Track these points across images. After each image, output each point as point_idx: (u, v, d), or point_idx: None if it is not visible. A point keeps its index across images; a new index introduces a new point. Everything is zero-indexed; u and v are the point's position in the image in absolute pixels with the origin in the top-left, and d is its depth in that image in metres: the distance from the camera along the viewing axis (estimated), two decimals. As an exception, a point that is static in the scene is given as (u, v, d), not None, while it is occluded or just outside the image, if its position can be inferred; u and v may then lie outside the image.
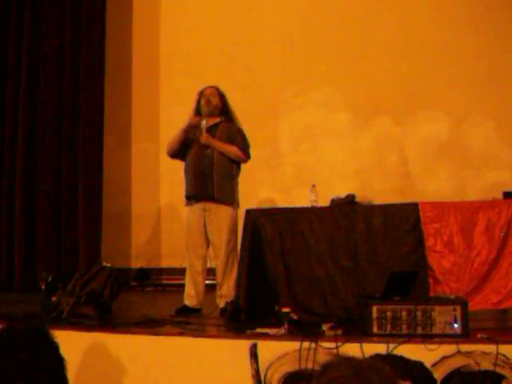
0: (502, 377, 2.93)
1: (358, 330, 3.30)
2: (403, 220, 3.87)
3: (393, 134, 6.07)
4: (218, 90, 4.57)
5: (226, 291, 4.24)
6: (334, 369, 1.18)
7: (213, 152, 4.36)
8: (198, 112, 4.54)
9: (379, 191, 5.69)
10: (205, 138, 4.37)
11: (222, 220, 4.33)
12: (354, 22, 6.11)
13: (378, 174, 6.03)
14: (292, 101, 6.23)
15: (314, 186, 4.23)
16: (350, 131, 6.17)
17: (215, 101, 4.50)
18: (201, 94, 4.56)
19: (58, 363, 1.54)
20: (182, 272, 4.58)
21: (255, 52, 6.28)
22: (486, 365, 2.94)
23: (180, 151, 4.50)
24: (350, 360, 1.23)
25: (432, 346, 3.00)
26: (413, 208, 3.87)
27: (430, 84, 5.90)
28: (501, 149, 5.77)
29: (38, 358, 1.48)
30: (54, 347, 1.56)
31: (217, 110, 4.50)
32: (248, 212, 4.11)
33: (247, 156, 4.48)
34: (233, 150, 4.41)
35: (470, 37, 5.86)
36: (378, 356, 3.01)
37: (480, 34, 5.83)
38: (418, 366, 2.99)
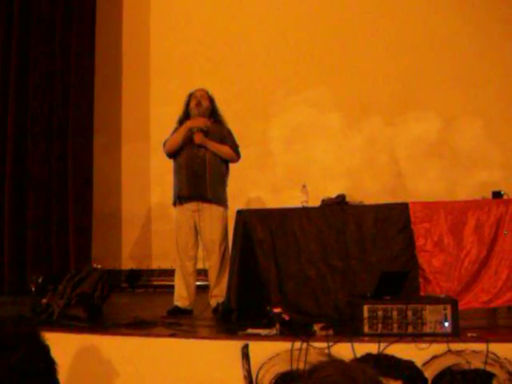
0: (492, 375, 2.95)
1: (349, 329, 3.30)
2: (393, 220, 3.88)
3: (383, 134, 6.10)
4: (207, 92, 4.61)
5: (220, 291, 4.24)
6: (321, 370, 1.21)
7: (205, 153, 4.39)
8: (187, 114, 4.55)
9: (370, 191, 5.71)
10: (199, 138, 4.38)
11: (214, 220, 4.35)
12: (345, 23, 6.14)
13: (369, 174, 6.05)
14: (283, 101, 6.25)
15: (304, 186, 4.24)
16: (340, 131, 6.19)
17: (206, 103, 4.54)
18: (191, 96, 4.58)
19: (49, 366, 1.53)
20: (172, 273, 4.57)
21: (246, 52, 6.28)
22: (477, 363, 2.96)
23: (178, 151, 4.50)
24: (335, 361, 1.28)
25: (423, 345, 3.01)
26: (403, 208, 3.89)
27: (421, 84, 5.94)
28: (490, 148, 5.82)
29: (29, 361, 1.47)
30: (45, 350, 1.55)
31: (207, 112, 4.53)
32: (239, 212, 4.11)
33: (238, 156, 4.55)
34: (225, 150, 4.45)
35: (459, 38, 5.90)
36: (369, 356, 3.02)
37: (470, 35, 5.87)
38: (409, 365, 3.00)
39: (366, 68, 6.04)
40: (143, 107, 6.57)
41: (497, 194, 4.04)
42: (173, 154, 4.53)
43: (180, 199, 4.44)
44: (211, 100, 4.59)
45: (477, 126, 5.89)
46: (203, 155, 4.39)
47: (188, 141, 4.42)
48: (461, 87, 5.87)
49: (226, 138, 4.50)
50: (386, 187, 5.93)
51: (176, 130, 4.56)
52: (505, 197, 4.01)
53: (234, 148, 4.51)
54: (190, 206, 4.38)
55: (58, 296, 3.91)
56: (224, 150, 4.45)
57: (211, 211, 4.35)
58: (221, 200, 4.41)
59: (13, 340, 1.53)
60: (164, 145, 4.56)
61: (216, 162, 4.42)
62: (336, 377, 1.18)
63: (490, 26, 5.84)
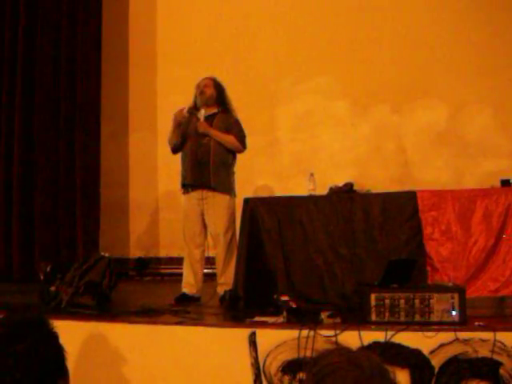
0: (499, 364, 2.95)
1: (356, 317, 3.30)
2: (401, 208, 3.87)
3: (391, 123, 6.07)
4: (213, 80, 4.56)
5: (226, 280, 4.25)
6: (326, 357, 1.21)
7: (209, 141, 4.37)
8: (195, 104, 4.54)
9: (377, 179, 5.69)
10: (202, 126, 4.37)
11: (219, 209, 4.34)
12: (352, 11, 6.09)
13: (376, 162, 6.03)
14: (290, 89, 6.22)
15: (312, 174, 4.24)
16: (347, 119, 6.17)
17: (209, 92, 4.50)
18: (197, 85, 4.56)
19: (58, 353, 1.54)
20: (180, 261, 4.59)
21: (253, 40, 6.25)
22: (484, 352, 2.96)
23: (182, 145, 4.51)
24: (340, 349, 1.30)
25: (430, 334, 3.01)
26: (411, 196, 3.87)
27: (428, 72, 5.89)
28: (498, 137, 5.78)
29: (38, 348, 1.48)
30: (54, 337, 1.56)
31: (211, 101, 4.50)
32: (246, 201, 4.12)
33: (243, 146, 4.50)
34: (230, 140, 4.42)
35: (467, 25, 5.84)
36: (376, 344, 3.02)
37: (479, 23, 5.81)
38: (416, 353, 3.00)
39: (373, 56, 5.99)
40: (150, 96, 6.57)
41: (505, 183, 4.02)
42: (178, 150, 4.55)
43: (185, 187, 4.45)
44: (218, 88, 4.53)
45: (485, 114, 5.85)
46: (207, 143, 4.36)
47: (193, 130, 4.42)
48: (469, 75, 5.82)
49: (233, 127, 4.46)
50: (393, 175, 5.91)
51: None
52: (513, 185, 3.99)
53: (240, 138, 4.46)
54: (196, 195, 4.39)
55: (66, 284, 3.94)
56: (228, 139, 4.41)
57: (216, 200, 4.34)
58: (226, 188, 4.38)
59: (22, 327, 1.54)
60: (169, 143, 4.60)
61: (221, 150, 4.39)
62: (341, 364, 1.18)
63: (499, 14, 5.78)
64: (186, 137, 4.47)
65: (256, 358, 3.14)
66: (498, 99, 5.79)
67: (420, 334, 3.02)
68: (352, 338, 3.03)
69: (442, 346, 2.99)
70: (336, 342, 3.05)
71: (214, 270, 4.53)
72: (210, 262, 4.57)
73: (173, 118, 4.50)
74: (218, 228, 4.34)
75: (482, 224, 3.76)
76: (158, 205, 6.51)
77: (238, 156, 4.55)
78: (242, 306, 3.82)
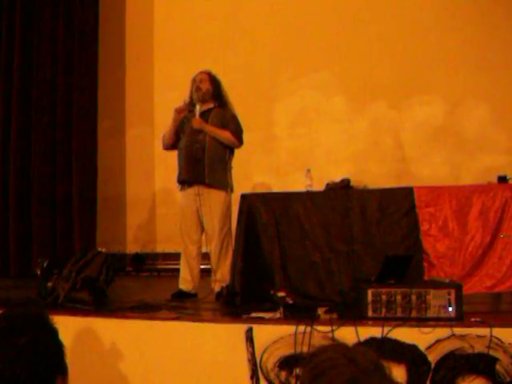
0: (495, 359, 2.96)
1: (353, 313, 3.31)
2: (398, 204, 3.87)
3: (388, 118, 6.06)
4: (209, 75, 4.53)
5: (221, 276, 4.25)
6: (322, 353, 1.22)
7: (205, 137, 4.33)
8: (192, 99, 4.52)
9: (374, 175, 5.70)
10: (197, 122, 4.35)
11: (213, 205, 4.31)
12: (349, 6, 6.08)
13: (374, 158, 6.03)
14: (287, 85, 6.21)
15: (309, 170, 4.24)
16: (345, 115, 6.16)
17: (205, 86, 4.46)
18: (193, 80, 4.54)
19: (58, 348, 1.53)
20: (177, 257, 4.58)
21: (250, 36, 6.24)
22: (480, 348, 2.97)
23: (175, 142, 4.52)
24: (336, 345, 1.29)
25: (426, 330, 3.02)
26: (408, 192, 3.88)
27: (426, 68, 5.89)
28: (496, 133, 5.78)
29: (38, 343, 1.48)
30: (54, 332, 1.56)
31: (208, 96, 4.46)
32: (243, 196, 4.11)
33: (240, 141, 4.46)
34: (225, 135, 4.38)
35: (465, 21, 5.84)
36: (372, 339, 3.03)
37: (475, 19, 5.81)
38: (413, 349, 3.01)
39: (371, 51, 5.98)
40: (147, 92, 6.55)
41: (502, 179, 4.03)
42: (170, 148, 4.56)
43: (181, 183, 4.43)
44: (214, 82, 4.50)
45: (482, 110, 5.85)
46: (202, 139, 4.33)
47: (188, 126, 4.40)
48: (466, 71, 5.82)
49: (229, 122, 4.42)
50: (390, 171, 5.91)
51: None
52: (510, 181, 3.99)
53: (236, 133, 4.41)
54: (192, 191, 4.36)
55: (63, 279, 3.93)
56: (224, 135, 4.37)
57: (211, 196, 4.31)
58: (221, 184, 4.35)
59: (21, 322, 1.53)
60: (162, 139, 4.61)
61: (216, 145, 4.35)
62: (337, 360, 1.18)
63: (496, 9, 5.78)
64: (180, 134, 4.46)
65: (253, 354, 3.14)
66: (496, 95, 5.79)
67: (416, 329, 3.03)
68: (349, 334, 3.03)
69: (438, 341, 3.00)
70: (333, 338, 3.06)
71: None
72: (207, 257, 4.57)
73: (173, 113, 4.48)
74: (213, 224, 4.31)
75: (479, 220, 3.76)
76: (154, 200, 6.50)
77: (235, 152, 4.53)
78: (239, 302, 3.82)
